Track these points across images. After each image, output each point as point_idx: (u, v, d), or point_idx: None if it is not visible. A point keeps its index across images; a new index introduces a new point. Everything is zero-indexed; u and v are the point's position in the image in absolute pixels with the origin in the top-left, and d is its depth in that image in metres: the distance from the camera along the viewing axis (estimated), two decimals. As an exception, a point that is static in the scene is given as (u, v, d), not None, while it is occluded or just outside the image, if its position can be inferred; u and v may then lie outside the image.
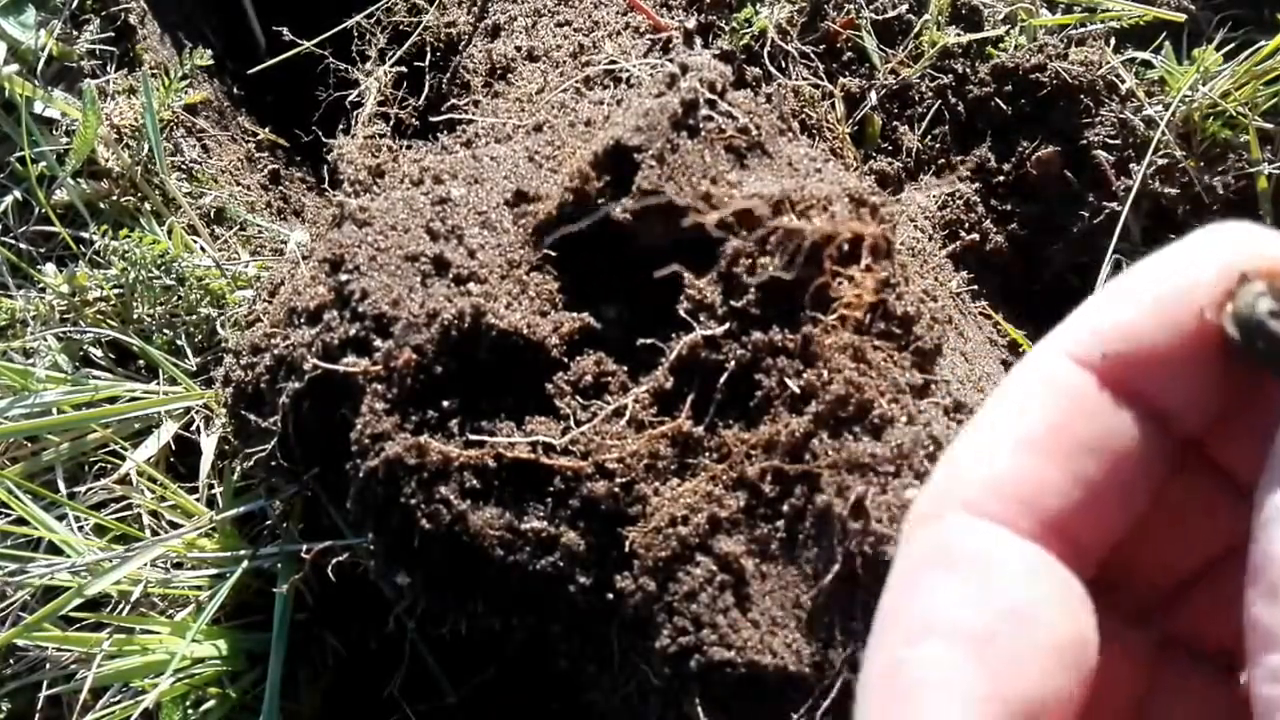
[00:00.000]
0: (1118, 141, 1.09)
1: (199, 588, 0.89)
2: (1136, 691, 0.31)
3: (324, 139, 1.18)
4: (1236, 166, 1.11)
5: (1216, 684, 0.29)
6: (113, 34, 1.22)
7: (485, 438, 0.67)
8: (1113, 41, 1.15)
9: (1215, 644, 0.30)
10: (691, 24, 1.13)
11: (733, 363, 0.67)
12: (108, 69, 1.20)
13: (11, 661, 0.90)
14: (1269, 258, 0.27)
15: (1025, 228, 1.11)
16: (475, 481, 0.66)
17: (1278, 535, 0.23)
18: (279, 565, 0.86)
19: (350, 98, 1.24)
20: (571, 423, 0.68)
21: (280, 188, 1.29)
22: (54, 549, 0.91)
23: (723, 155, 0.72)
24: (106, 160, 1.12)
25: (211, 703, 0.87)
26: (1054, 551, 0.27)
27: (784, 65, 1.11)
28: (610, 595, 0.66)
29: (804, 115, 1.08)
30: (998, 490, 0.27)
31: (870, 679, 0.26)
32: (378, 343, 0.69)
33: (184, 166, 1.17)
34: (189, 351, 1.02)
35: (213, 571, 0.89)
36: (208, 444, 0.95)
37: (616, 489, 0.66)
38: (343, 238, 0.75)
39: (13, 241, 1.11)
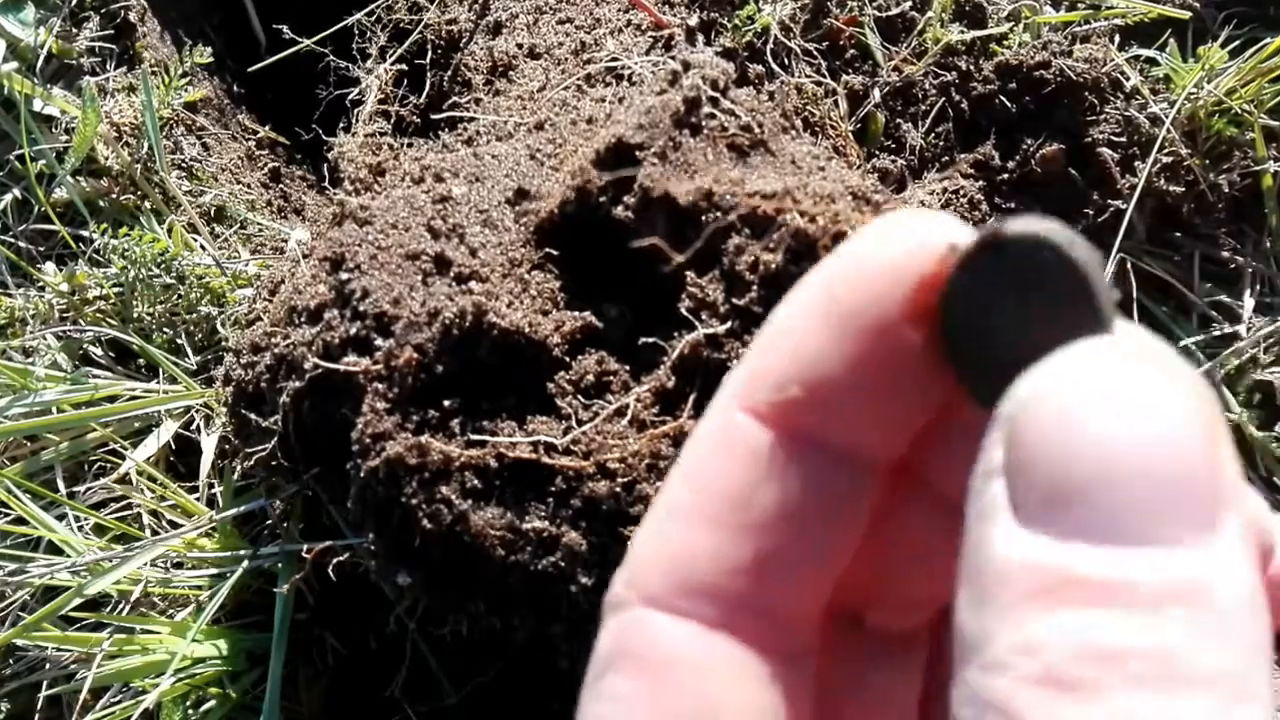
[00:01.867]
0: (1122, 139, 1.08)
1: (199, 587, 0.89)
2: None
3: (325, 137, 1.18)
4: (1242, 164, 1.11)
5: None
6: (112, 31, 1.21)
7: (486, 437, 0.66)
8: (1117, 39, 1.15)
9: None
10: (693, 21, 1.13)
11: (735, 362, 0.66)
12: (107, 66, 1.20)
13: (11, 661, 0.90)
14: (946, 249, 0.24)
15: (1029, 226, 1.10)
16: (476, 481, 0.66)
17: (986, 537, 0.21)
18: (279, 565, 0.85)
19: (351, 96, 1.23)
20: (573, 422, 0.67)
21: (281, 186, 1.29)
22: (54, 548, 0.90)
23: (725, 153, 0.71)
24: (106, 158, 1.12)
25: (212, 703, 0.86)
26: (746, 633, 0.25)
27: (786, 62, 1.11)
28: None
29: (807, 113, 1.08)
30: (676, 579, 0.25)
31: None
32: (378, 342, 0.68)
33: (184, 164, 1.17)
34: (189, 350, 1.02)
35: (213, 571, 0.89)
36: (208, 443, 0.95)
37: (618, 489, 0.65)
38: (343, 236, 0.75)
39: (12, 240, 1.11)
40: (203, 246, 1.08)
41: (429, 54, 1.24)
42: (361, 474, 0.67)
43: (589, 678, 0.25)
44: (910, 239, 0.24)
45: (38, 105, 1.13)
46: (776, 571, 0.25)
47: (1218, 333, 1.12)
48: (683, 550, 0.25)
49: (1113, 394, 0.21)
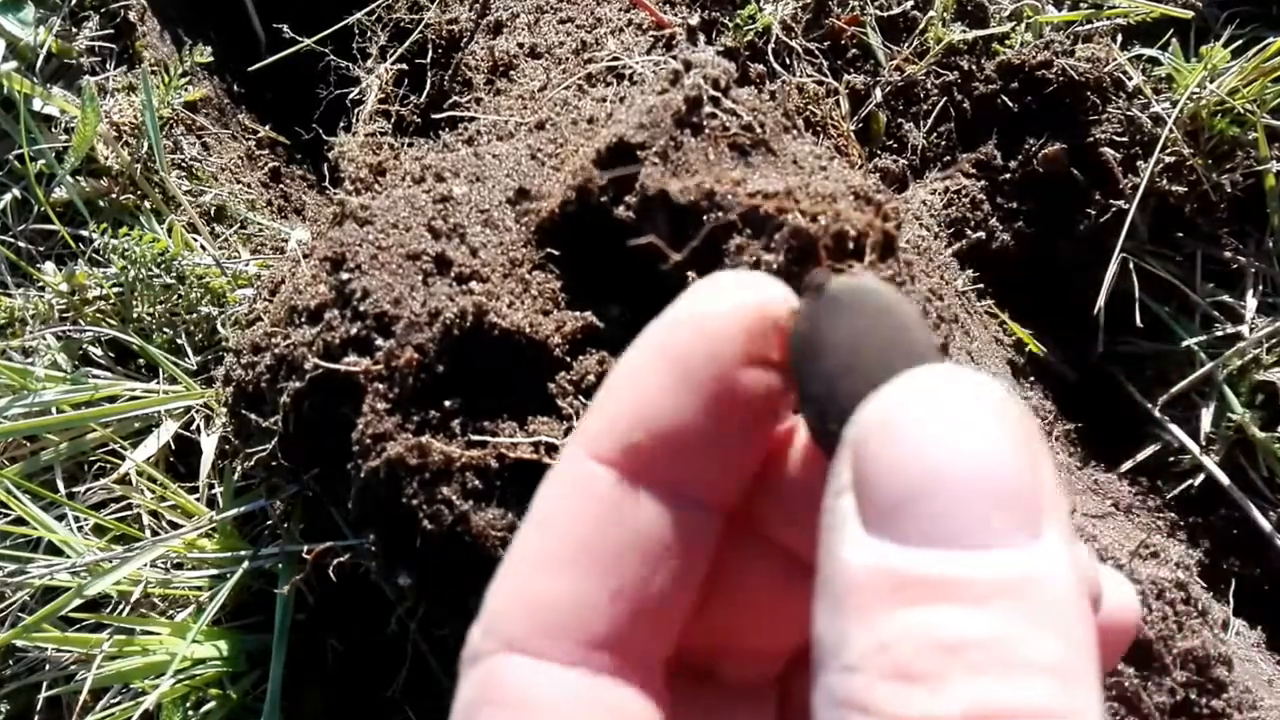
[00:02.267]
0: (1125, 139, 1.08)
1: (199, 588, 0.89)
2: None
3: (325, 137, 1.17)
4: (1245, 164, 1.11)
5: None
6: (112, 31, 1.21)
7: (487, 438, 0.66)
8: (1119, 38, 1.14)
9: None
10: (695, 21, 1.13)
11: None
12: (107, 66, 1.19)
13: (11, 662, 0.89)
14: (775, 307, 0.27)
15: (1031, 226, 1.10)
16: (477, 482, 0.65)
17: (837, 547, 0.23)
18: (280, 566, 0.85)
19: (351, 95, 1.23)
20: (574, 422, 0.67)
21: (281, 186, 1.28)
22: (53, 549, 0.90)
23: (726, 153, 0.71)
24: (106, 158, 1.12)
25: (212, 704, 0.86)
26: (603, 670, 0.26)
27: (788, 62, 1.10)
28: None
29: (808, 112, 1.08)
30: (534, 622, 0.26)
31: None
32: (379, 342, 0.68)
33: (184, 164, 1.16)
34: (189, 350, 1.01)
35: (213, 572, 0.89)
36: (208, 443, 0.95)
37: (620, 490, 0.65)
38: (344, 236, 0.74)
39: (12, 240, 1.10)
40: (203, 246, 1.07)
41: (429, 53, 1.24)
42: (362, 474, 0.67)
43: None
44: (741, 296, 0.27)
45: (37, 105, 1.13)
46: (628, 609, 0.26)
47: (1220, 333, 1.11)
48: (538, 594, 0.26)
49: (938, 414, 0.23)
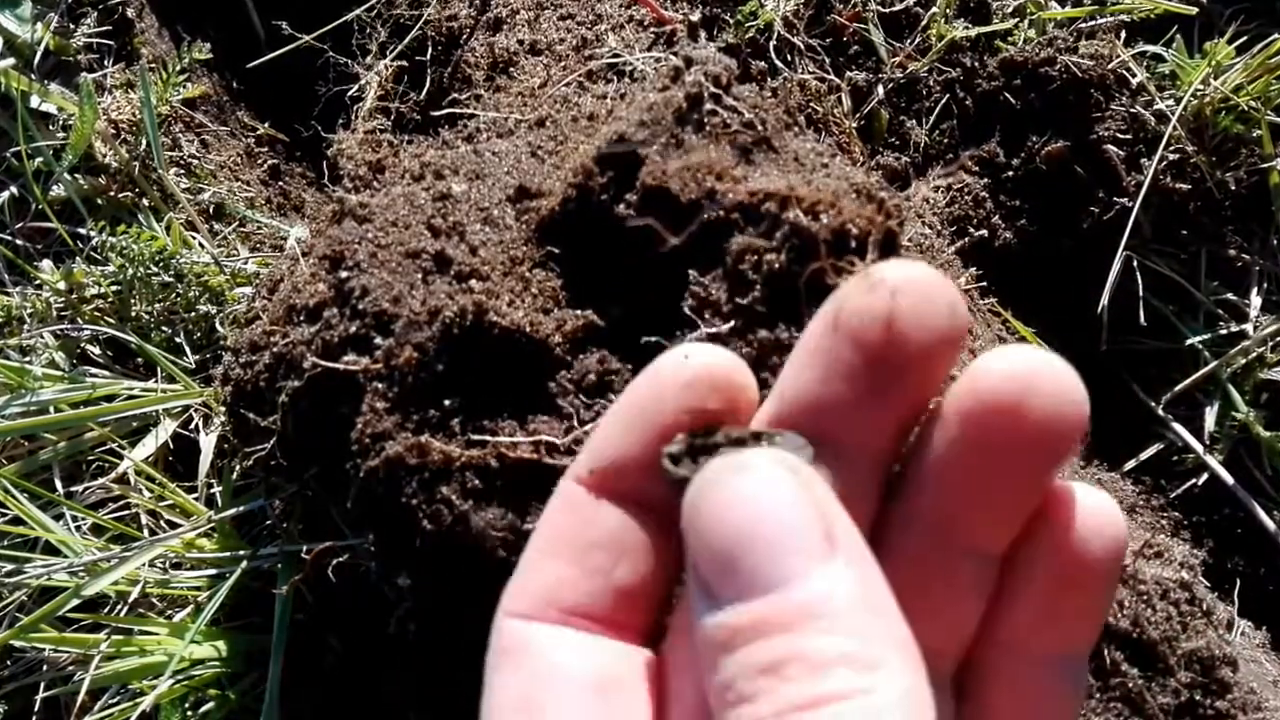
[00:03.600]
0: (1128, 136, 1.08)
1: (198, 588, 0.88)
2: None
3: (324, 134, 1.17)
4: (1249, 162, 1.10)
5: None
6: (110, 28, 1.20)
7: (487, 437, 0.66)
8: (1123, 35, 1.14)
9: None
10: (696, 17, 1.12)
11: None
12: (105, 63, 1.19)
13: (8, 663, 0.89)
14: (712, 384, 0.35)
15: (1034, 223, 1.09)
16: (477, 481, 0.65)
17: (694, 610, 0.31)
18: (279, 565, 0.85)
19: (351, 92, 1.22)
20: (575, 422, 0.67)
21: (280, 183, 1.28)
22: (51, 549, 0.90)
23: (728, 150, 0.70)
24: (104, 155, 1.11)
25: (210, 704, 0.86)
26: (584, 630, 0.35)
27: (790, 59, 1.10)
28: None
29: (810, 110, 1.07)
30: (530, 595, 0.36)
31: None
32: (378, 341, 0.68)
33: (182, 162, 1.16)
34: (187, 349, 1.01)
35: (212, 572, 0.88)
36: (207, 443, 0.94)
37: (621, 490, 0.65)
38: (342, 234, 0.74)
39: (9, 238, 1.10)
40: (201, 244, 1.07)
41: (429, 50, 1.23)
42: (361, 474, 0.66)
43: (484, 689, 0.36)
44: (691, 361, 0.36)
45: (35, 102, 1.13)
46: (599, 587, 0.36)
47: (1224, 331, 1.11)
48: (533, 577, 0.36)
49: (721, 497, 0.31)
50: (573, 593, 0.35)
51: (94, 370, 1.01)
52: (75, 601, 0.84)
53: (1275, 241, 1.12)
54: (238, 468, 0.89)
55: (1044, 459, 0.32)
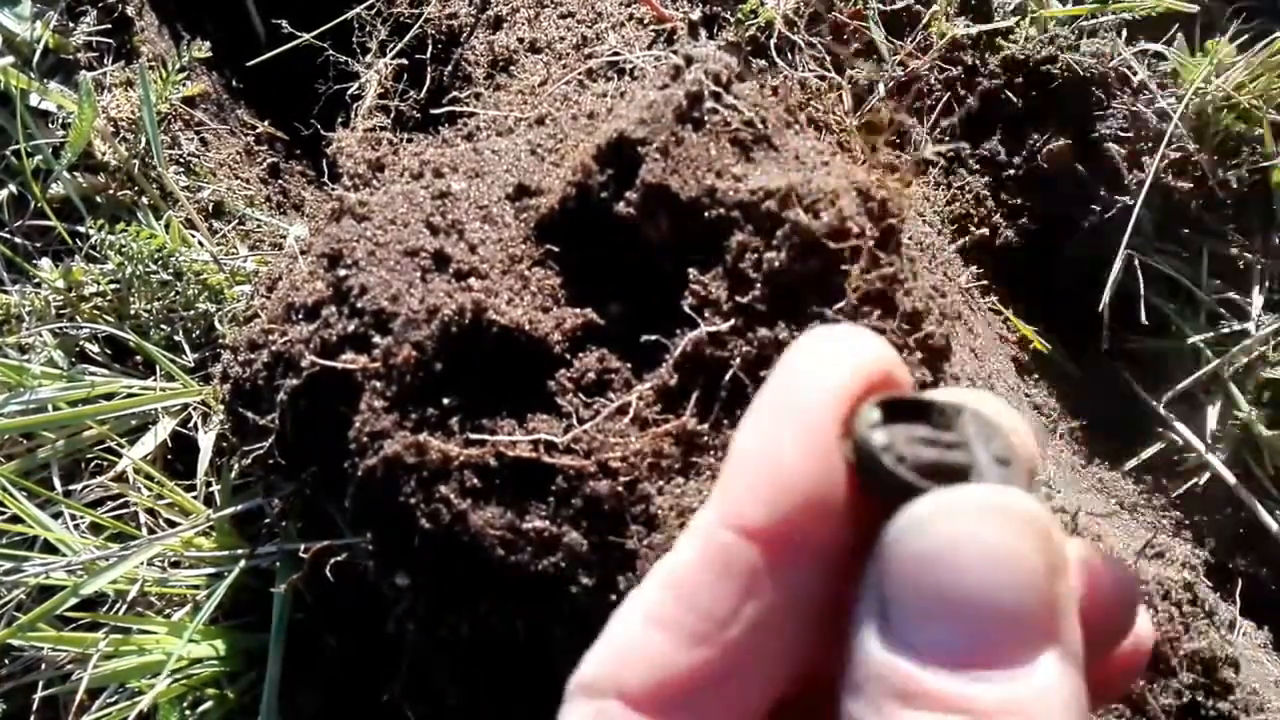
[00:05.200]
0: (1130, 134, 1.07)
1: (196, 587, 0.88)
2: None
3: (324, 132, 1.17)
4: (1250, 160, 1.10)
5: None
6: (110, 26, 1.20)
7: (486, 436, 0.65)
8: (1124, 33, 1.13)
9: None
10: (696, 15, 1.12)
11: (738, 360, 0.65)
12: (105, 61, 1.19)
13: (7, 661, 0.89)
14: (878, 371, 0.29)
15: (1036, 222, 1.09)
16: (476, 480, 0.65)
17: (864, 641, 0.26)
18: (277, 564, 0.84)
19: (350, 90, 1.22)
20: (574, 420, 0.66)
21: (280, 181, 1.28)
22: (49, 547, 0.90)
23: (728, 148, 0.70)
24: (103, 153, 1.11)
25: (209, 704, 0.86)
26: None
27: (790, 57, 1.10)
28: (614, 596, 0.65)
29: (810, 108, 1.07)
30: (653, 686, 0.27)
31: None
32: (377, 339, 0.67)
33: (182, 160, 1.16)
34: (186, 347, 1.01)
35: (210, 570, 0.88)
36: (205, 441, 0.94)
37: (620, 488, 0.64)
38: (341, 232, 0.74)
39: (8, 236, 1.10)
40: (200, 242, 1.07)
41: (429, 48, 1.23)
42: (359, 473, 0.66)
43: None
44: (861, 355, 0.29)
45: (34, 100, 1.12)
46: (750, 687, 0.28)
47: (1226, 330, 1.11)
48: (662, 660, 0.27)
49: (964, 538, 0.26)
50: (715, 699, 0.28)
51: (93, 368, 1.01)
52: (74, 600, 0.84)
53: (1277, 240, 1.12)
54: (236, 466, 0.89)
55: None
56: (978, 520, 0.26)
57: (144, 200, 1.11)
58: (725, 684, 0.27)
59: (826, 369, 0.28)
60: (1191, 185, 1.09)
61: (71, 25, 1.19)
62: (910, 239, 0.97)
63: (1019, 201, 1.09)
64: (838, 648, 0.29)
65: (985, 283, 1.06)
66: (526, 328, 0.67)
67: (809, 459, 0.27)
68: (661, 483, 0.65)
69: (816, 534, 0.28)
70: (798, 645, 0.28)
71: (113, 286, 1.03)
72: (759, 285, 0.65)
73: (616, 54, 1.06)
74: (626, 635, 0.28)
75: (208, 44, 1.20)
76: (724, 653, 0.27)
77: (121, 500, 0.93)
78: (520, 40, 1.14)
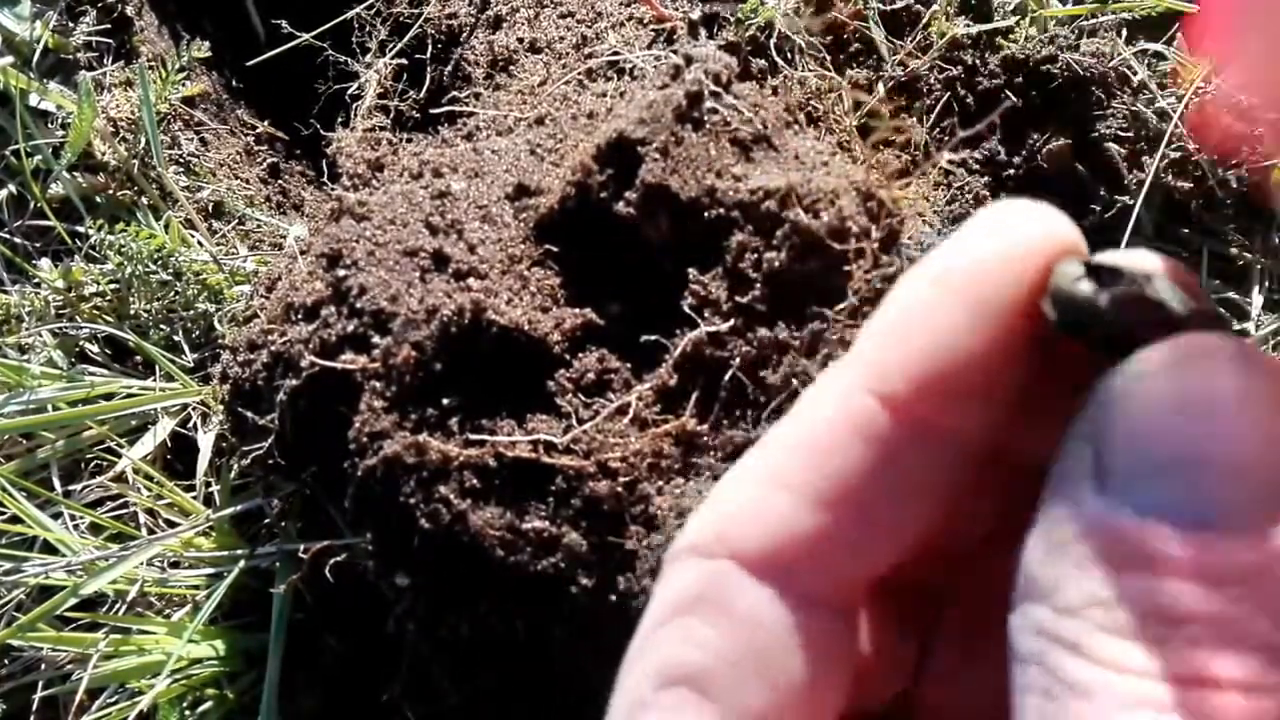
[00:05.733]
0: (1129, 134, 1.07)
1: (196, 587, 0.88)
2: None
3: (324, 132, 1.17)
4: (1251, 160, 1.10)
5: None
6: (109, 26, 1.20)
7: (485, 436, 0.65)
8: (1124, 32, 1.13)
9: None
10: (696, 15, 1.12)
11: (738, 360, 0.65)
12: (104, 61, 1.19)
13: (6, 662, 0.89)
14: (1063, 235, 0.27)
15: (1035, 222, 1.09)
16: (475, 481, 0.65)
17: (1070, 497, 0.24)
18: (277, 564, 0.84)
19: (350, 90, 1.22)
20: (573, 421, 0.66)
21: (279, 181, 1.28)
22: (49, 548, 0.90)
23: (728, 148, 0.70)
24: (103, 154, 1.11)
25: (209, 704, 0.86)
26: (827, 612, 0.26)
27: (790, 57, 1.10)
28: (613, 597, 0.65)
29: (810, 107, 1.07)
30: (773, 548, 0.26)
31: (616, 712, 0.26)
32: (376, 339, 0.67)
33: (181, 160, 1.16)
34: (186, 347, 1.01)
35: (210, 571, 0.88)
36: (205, 441, 0.94)
37: (619, 489, 0.64)
38: (341, 232, 0.74)
39: (7, 236, 1.10)
40: (200, 242, 1.07)
41: (429, 48, 1.23)
42: (359, 473, 0.66)
43: (652, 616, 0.26)
44: (1036, 228, 0.27)
45: (34, 100, 1.12)
46: (871, 555, 0.26)
47: (1226, 330, 1.10)
48: (783, 522, 0.25)
49: (1197, 387, 0.23)
50: (848, 566, 0.26)
51: (92, 368, 1.01)
52: (73, 600, 0.84)
53: (1277, 240, 1.12)
54: (236, 466, 0.89)
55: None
56: (1225, 370, 0.23)
57: (144, 200, 1.11)
58: (847, 551, 0.26)
59: (998, 240, 0.26)
60: (1191, 185, 1.09)
61: (71, 25, 1.19)
62: (909, 238, 0.97)
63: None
64: (960, 522, 0.28)
65: (985, 282, 1.06)
66: (526, 328, 0.67)
67: (969, 328, 0.25)
68: (661, 483, 0.65)
69: (965, 406, 0.26)
70: (923, 519, 0.26)
71: (112, 286, 1.03)
72: (759, 285, 0.66)
73: (616, 54, 1.06)
74: (742, 496, 0.26)
75: (207, 44, 1.20)
76: (851, 519, 0.25)
77: (121, 500, 0.93)
78: (520, 40, 1.14)
